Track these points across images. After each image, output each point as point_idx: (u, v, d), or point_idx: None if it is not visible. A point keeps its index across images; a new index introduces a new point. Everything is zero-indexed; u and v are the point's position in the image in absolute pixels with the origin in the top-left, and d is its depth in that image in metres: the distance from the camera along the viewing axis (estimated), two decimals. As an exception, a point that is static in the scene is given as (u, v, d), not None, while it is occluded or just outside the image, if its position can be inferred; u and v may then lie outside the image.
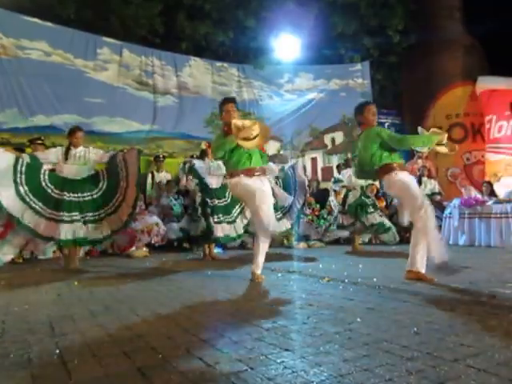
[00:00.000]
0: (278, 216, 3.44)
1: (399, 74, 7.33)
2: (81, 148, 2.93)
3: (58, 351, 1.02)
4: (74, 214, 2.65)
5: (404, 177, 2.00)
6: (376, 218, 3.81)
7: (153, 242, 3.81)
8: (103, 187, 2.80)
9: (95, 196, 2.77)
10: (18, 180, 2.56)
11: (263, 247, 2.07)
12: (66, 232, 2.58)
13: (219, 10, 6.27)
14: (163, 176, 4.67)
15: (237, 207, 3.27)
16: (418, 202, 1.90)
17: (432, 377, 0.82)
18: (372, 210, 3.84)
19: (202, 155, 3.43)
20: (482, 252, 3.53)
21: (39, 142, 4.12)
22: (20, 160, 2.61)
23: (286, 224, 3.51)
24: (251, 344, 1.05)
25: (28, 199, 2.56)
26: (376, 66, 7.22)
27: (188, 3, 6.06)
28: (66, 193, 2.69)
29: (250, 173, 2.06)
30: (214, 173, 3.26)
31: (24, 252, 3.11)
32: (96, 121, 5.48)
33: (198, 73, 6.47)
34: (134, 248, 3.64)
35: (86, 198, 2.74)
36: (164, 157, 4.98)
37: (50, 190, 2.68)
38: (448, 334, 1.10)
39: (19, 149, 4.19)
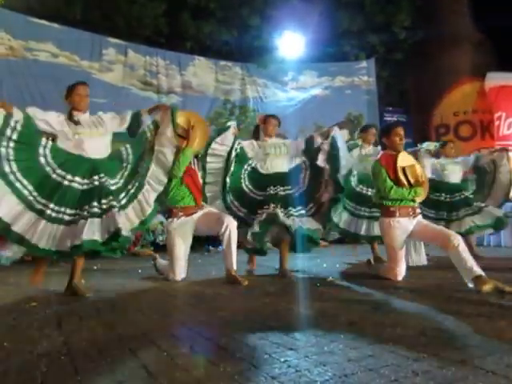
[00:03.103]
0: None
1: (405, 71, 7.22)
2: (87, 115, 1.89)
3: (65, 348, 1.04)
4: (83, 208, 1.71)
5: (397, 234, 1.90)
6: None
7: (157, 240, 3.84)
8: (125, 173, 1.87)
9: (114, 187, 1.82)
10: (4, 152, 1.62)
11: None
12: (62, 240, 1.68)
13: (223, 8, 6.27)
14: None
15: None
16: (392, 260, 1.93)
17: (439, 378, 0.80)
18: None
19: (256, 133, 2.48)
20: (491, 252, 3.47)
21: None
22: (11, 121, 1.68)
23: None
24: (255, 343, 1.05)
25: (18, 184, 1.63)
26: (381, 63, 7.13)
27: (192, 2, 6.08)
28: (71, 177, 1.75)
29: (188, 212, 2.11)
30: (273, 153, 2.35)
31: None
32: (102, 121, 5.53)
33: (202, 72, 6.50)
34: (138, 247, 3.67)
35: (103, 185, 1.77)
36: None
37: (49, 169, 1.73)
38: (455, 335, 1.08)
39: None
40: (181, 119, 2.05)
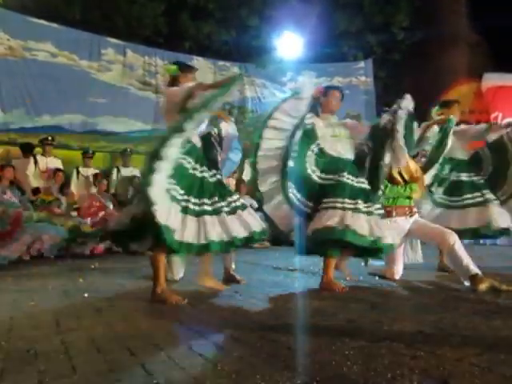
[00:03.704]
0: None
1: (403, 72, 7.26)
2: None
3: (63, 347, 1.04)
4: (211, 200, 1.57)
5: (396, 228, 1.86)
6: None
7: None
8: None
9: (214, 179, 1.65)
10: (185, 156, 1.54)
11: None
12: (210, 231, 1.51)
13: (222, 9, 6.29)
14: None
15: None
16: (390, 260, 1.93)
17: (435, 375, 0.81)
18: None
19: (314, 109, 1.92)
20: (487, 250, 3.48)
21: (48, 142, 4.19)
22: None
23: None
24: (253, 342, 1.05)
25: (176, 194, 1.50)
26: (379, 63, 7.17)
27: (191, 3, 6.09)
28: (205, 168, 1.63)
29: None
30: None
31: (31, 250, 3.16)
32: (100, 120, 5.54)
33: (201, 72, 6.50)
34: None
35: (211, 180, 1.64)
36: None
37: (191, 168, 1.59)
38: (452, 333, 1.09)
39: (28, 147, 4.26)
40: None
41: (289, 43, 6.57)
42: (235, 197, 1.65)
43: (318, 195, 1.76)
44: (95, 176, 4.25)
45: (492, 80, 6.06)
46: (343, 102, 2.14)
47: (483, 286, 1.63)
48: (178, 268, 2.08)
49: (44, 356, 0.98)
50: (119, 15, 5.82)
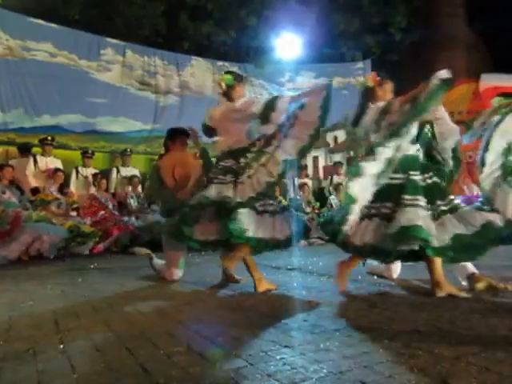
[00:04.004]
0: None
1: (401, 72, 7.30)
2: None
3: (62, 346, 1.04)
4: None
5: None
6: None
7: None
8: None
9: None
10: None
11: None
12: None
13: (221, 9, 6.30)
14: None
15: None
16: None
17: (433, 374, 0.81)
18: None
19: (368, 98, 1.77)
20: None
21: (48, 142, 4.19)
22: None
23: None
24: (251, 341, 1.06)
25: None
26: (378, 63, 7.20)
27: (190, 3, 6.10)
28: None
29: None
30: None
31: (30, 250, 3.15)
32: (100, 120, 5.54)
33: (200, 72, 6.51)
34: (140, 248, 3.64)
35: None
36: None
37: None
38: (450, 332, 1.09)
39: (25, 147, 4.26)
40: None
41: (287, 43, 6.58)
42: (271, 201, 1.80)
43: (382, 195, 1.62)
44: (94, 176, 4.26)
45: (489, 80, 6.08)
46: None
47: (481, 285, 1.63)
48: (177, 268, 2.09)
49: (43, 355, 0.98)
50: (119, 15, 5.83)
